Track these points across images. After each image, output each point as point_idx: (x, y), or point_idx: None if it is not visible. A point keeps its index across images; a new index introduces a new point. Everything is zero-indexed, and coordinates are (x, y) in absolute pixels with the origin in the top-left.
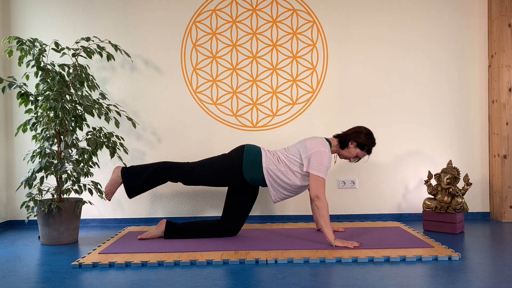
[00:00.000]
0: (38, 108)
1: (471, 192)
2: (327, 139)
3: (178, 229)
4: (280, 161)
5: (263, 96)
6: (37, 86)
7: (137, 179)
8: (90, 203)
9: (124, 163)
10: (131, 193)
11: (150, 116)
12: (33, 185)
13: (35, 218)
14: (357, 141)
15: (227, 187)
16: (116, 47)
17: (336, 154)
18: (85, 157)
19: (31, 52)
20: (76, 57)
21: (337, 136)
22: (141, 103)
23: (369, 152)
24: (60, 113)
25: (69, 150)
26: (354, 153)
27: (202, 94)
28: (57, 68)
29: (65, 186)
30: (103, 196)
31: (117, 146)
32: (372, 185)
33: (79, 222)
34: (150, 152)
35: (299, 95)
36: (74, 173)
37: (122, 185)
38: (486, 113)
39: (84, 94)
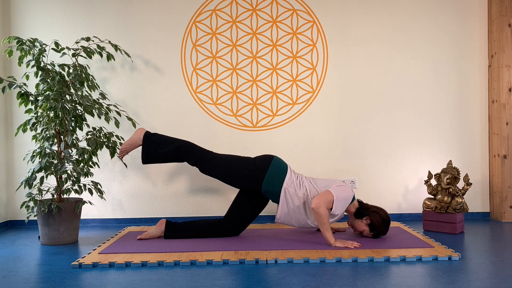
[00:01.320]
0: (38, 108)
1: (471, 192)
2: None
3: (178, 229)
4: (302, 186)
5: (263, 96)
6: (37, 86)
7: (157, 149)
8: (90, 203)
9: (125, 163)
10: (146, 160)
11: (150, 116)
12: (33, 185)
13: (35, 218)
14: (371, 220)
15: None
16: (116, 47)
17: (348, 216)
18: (85, 157)
19: (31, 52)
20: (76, 57)
21: (359, 202)
22: (141, 103)
23: (375, 236)
24: (60, 113)
25: (69, 150)
26: (362, 228)
27: (202, 94)
28: (57, 68)
29: (65, 186)
30: (118, 153)
31: (117, 146)
32: (372, 185)
33: (79, 222)
34: None
35: (299, 95)
36: (74, 173)
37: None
38: (486, 113)
39: (84, 94)
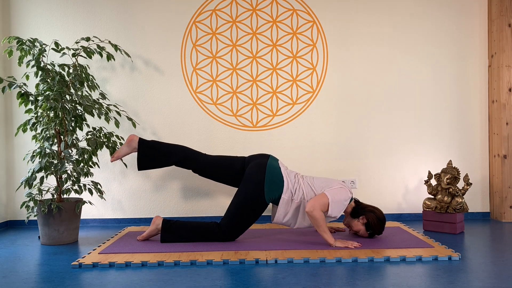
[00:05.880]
0: (38, 108)
1: (471, 192)
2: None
3: (173, 229)
4: (299, 189)
5: (263, 96)
6: (37, 86)
7: (154, 160)
8: (90, 203)
9: (125, 163)
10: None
11: (150, 116)
12: (33, 185)
13: (35, 218)
14: (367, 219)
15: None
16: (116, 47)
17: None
18: (85, 157)
19: (31, 52)
20: (76, 57)
21: (356, 202)
22: (141, 103)
23: (371, 236)
24: (60, 113)
25: (69, 150)
26: (358, 227)
27: (202, 94)
28: (57, 68)
29: (65, 186)
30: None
31: (117, 146)
32: (372, 185)
33: (79, 222)
34: None
35: (299, 95)
36: (74, 173)
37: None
38: (486, 113)
39: (84, 94)
